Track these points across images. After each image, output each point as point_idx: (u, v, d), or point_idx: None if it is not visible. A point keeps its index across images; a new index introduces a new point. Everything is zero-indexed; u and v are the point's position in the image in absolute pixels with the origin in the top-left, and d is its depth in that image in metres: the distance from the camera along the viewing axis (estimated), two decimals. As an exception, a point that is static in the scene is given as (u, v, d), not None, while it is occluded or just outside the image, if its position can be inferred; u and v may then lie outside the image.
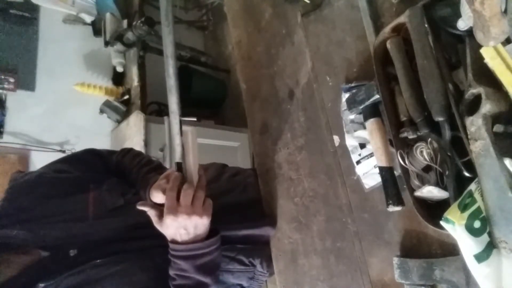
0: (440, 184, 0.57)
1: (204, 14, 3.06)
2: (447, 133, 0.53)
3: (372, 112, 0.66)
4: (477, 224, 0.47)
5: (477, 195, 0.48)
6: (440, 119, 0.53)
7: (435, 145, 0.57)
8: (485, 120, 0.46)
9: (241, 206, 0.92)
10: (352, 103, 0.69)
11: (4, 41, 2.03)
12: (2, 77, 1.94)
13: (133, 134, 2.01)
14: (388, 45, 0.62)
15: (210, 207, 0.69)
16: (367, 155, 0.71)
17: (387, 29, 0.61)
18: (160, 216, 0.67)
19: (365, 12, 0.71)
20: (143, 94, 2.21)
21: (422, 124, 0.57)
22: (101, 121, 2.26)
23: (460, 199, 0.50)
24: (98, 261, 0.67)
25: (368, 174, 0.71)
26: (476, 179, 0.49)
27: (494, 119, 0.46)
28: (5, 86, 1.94)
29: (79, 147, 2.06)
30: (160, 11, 0.62)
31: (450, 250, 0.58)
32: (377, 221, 0.71)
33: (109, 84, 2.35)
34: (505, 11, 0.41)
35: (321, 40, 0.83)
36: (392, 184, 0.63)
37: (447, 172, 0.54)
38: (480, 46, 0.46)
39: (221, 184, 0.98)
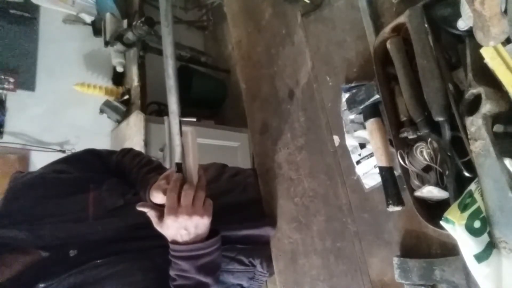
0: (440, 184, 0.57)
1: (204, 14, 3.06)
2: (447, 133, 0.53)
3: (372, 112, 0.66)
4: (477, 224, 0.47)
5: (477, 195, 0.48)
6: (440, 119, 0.53)
7: (435, 145, 0.57)
8: (485, 120, 0.46)
9: (241, 206, 0.92)
10: (352, 103, 0.69)
11: (4, 41, 2.02)
12: (2, 77, 1.94)
13: (133, 134, 2.01)
14: (388, 45, 0.62)
15: (210, 207, 0.69)
16: (367, 155, 0.71)
17: (387, 29, 0.61)
18: (160, 216, 0.67)
19: (365, 12, 0.71)
20: (143, 94, 2.21)
21: (422, 124, 0.57)
22: (101, 121, 2.26)
23: (460, 199, 0.50)
24: (98, 261, 0.67)
25: (368, 174, 0.71)
26: (476, 179, 0.49)
27: (494, 119, 0.46)
28: (5, 86, 1.94)
29: (79, 147, 2.06)
30: (160, 11, 0.62)
31: (450, 250, 0.58)
32: (377, 221, 0.71)
33: (109, 84, 2.35)
34: (505, 11, 0.41)
35: (321, 40, 0.83)
36: (392, 184, 0.63)
37: (447, 172, 0.54)
38: (480, 46, 0.46)
39: (221, 184, 0.98)
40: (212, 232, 0.71)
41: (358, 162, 0.73)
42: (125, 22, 2.17)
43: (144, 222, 0.68)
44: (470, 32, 0.48)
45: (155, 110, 2.42)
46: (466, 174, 0.52)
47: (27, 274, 0.64)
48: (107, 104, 2.20)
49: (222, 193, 0.92)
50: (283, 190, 0.91)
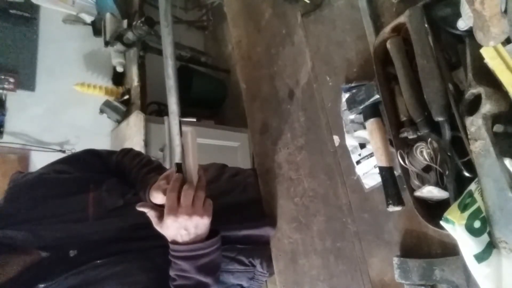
0: (440, 184, 0.57)
1: (204, 14, 3.06)
2: (447, 133, 0.53)
3: (372, 112, 0.66)
4: (477, 224, 0.47)
5: (477, 195, 0.48)
6: (440, 119, 0.53)
7: (435, 145, 0.57)
8: (485, 120, 0.46)
9: (241, 206, 0.92)
10: (352, 103, 0.69)
11: (4, 41, 2.03)
12: (2, 77, 1.94)
13: (133, 134, 2.01)
14: (388, 45, 0.62)
15: (210, 207, 0.69)
16: (367, 155, 0.71)
17: (387, 29, 0.61)
18: (160, 217, 0.67)
19: (365, 12, 0.71)
20: (143, 94, 2.21)
21: (422, 124, 0.56)
22: (101, 121, 2.26)
23: (460, 199, 0.50)
24: (98, 261, 0.67)
25: (368, 174, 0.71)
26: (476, 179, 0.49)
27: (494, 119, 0.46)
28: (5, 86, 1.94)
29: (79, 147, 2.06)
30: (159, 11, 0.62)
31: (450, 250, 0.58)
32: (377, 221, 0.70)
33: (109, 84, 2.35)
34: (505, 11, 0.41)
35: (321, 40, 0.83)
36: (392, 184, 0.63)
37: (447, 172, 0.54)
38: (480, 46, 0.46)
39: (221, 184, 0.98)
40: (212, 232, 0.71)
41: (358, 162, 0.73)
42: (125, 22, 2.16)
43: (144, 222, 0.68)
44: (470, 32, 0.48)
45: (155, 110, 2.42)
46: (466, 174, 0.52)
47: (27, 274, 0.64)
48: (107, 104, 2.20)
49: (222, 193, 0.92)
50: (283, 190, 0.91)
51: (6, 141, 1.92)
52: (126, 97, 2.26)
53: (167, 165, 1.37)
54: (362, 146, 0.72)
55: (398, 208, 0.62)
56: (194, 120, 2.22)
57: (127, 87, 2.31)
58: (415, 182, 0.59)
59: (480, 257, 0.46)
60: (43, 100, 2.09)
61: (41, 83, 2.10)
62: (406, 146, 0.61)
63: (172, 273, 0.69)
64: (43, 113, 2.07)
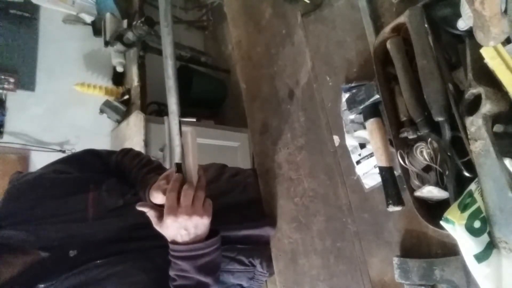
0: (440, 184, 0.57)
1: (204, 14, 3.06)
2: (447, 133, 0.53)
3: (372, 112, 0.66)
4: (477, 224, 0.47)
5: (477, 195, 0.48)
6: (440, 119, 0.53)
7: (435, 145, 0.57)
8: (485, 120, 0.46)
9: (241, 206, 0.92)
10: (352, 103, 0.69)
11: (4, 41, 2.02)
12: (2, 77, 1.94)
13: (133, 134, 2.01)
14: (388, 45, 0.62)
15: (210, 207, 0.69)
16: (367, 155, 0.71)
17: (387, 29, 0.61)
18: (160, 217, 0.67)
19: (365, 12, 0.71)
20: (143, 94, 2.21)
21: (422, 124, 0.56)
22: (101, 121, 2.26)
23: (460, 199, 0.50)
24: (98, 261, 0.67)
25: (368, 174, 0.71)
26: (476, 179, 0.49)
27: (494, 119, 0.46)
28: (5, 86, 1.94)
29: (79, 147, 2.06)
30: (159, 11, 0.62)
31: (450, 250, 0.58)
32: (377, 221, 0.70)
33: (109, 84, 2.35)
34: (505, 11, 0.41)
35: (321, 40, 0.83)
36: (392, 184, 0.63)
37: (447, 172, 0.54)
38: (480, 46, 0.46)
39: (221, 184, 0.98)
40: (212, 232, 0.71)
41: (358, 162, 0.73)
42: (125, 22, 2.16)
43: (144, 222, 0.68)
44: (470, 32, 0.48)
45: (155, 110, 2.42)
46: (466, 174, 0.52)
47: (27, 274, 0.64)
48: (107, 104, 2.20)
49: (222, 193, 0.92)
50: (283, 190, 0.91)
51: (6, 141, 1.91)
52: (126, 97, 2.26)
53: (167, 165, 1.36)
54: (362, 146, 0.72)
55: (398, 208, 0.62)
56: (194, 120, 2.22)
57: (127, 87, 2.31)
58: (415, 182, 0.59)
59: (480, 257, 0.46)
60: (43, 100, 2.09)
61: (41, 83, 2.10)
62: (406, 146, 0.61)
63: (172, 273, 0.69)
64: (43, 113, 2.07)
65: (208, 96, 2.73)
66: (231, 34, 1.11)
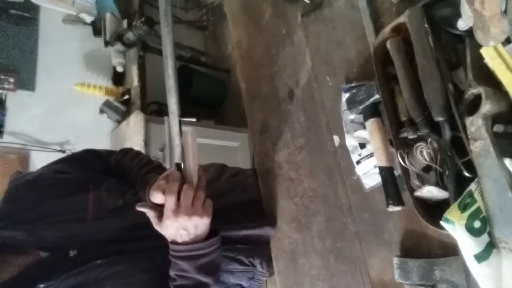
0: (440, 184, 0.57)
1: (204, 14, 3.06)
2: (447, 133, 0.53)
3: (372, 112, 0.66)
4: (477, 224, 0.47)
5: (477, 195, 0.48)
6: (440, 119, 0.53)
7: (435, 145, 0.57)
8: (485, 120, 0.46)
9: (241, 206, 0.92)
10: (352, 103, 0.69)
11: (4, 41, 2.02)
12: (2, 77, 1.94)
13: (133, 134, 2.01)
14: (388, 45, 0.62)
15: (210, 207, 0.69)
16: (367, 155, 0.71)
17: (387, 29, 0.61)
18: (160, 217, 0.67)
19: (365, 12, 0.71)
20: (143, 94, 2.21)
21: (422, 124, 0.56)
22: (101, 121, 2.26)
23: (460, 199, 0.50)
24: (98, 261, 0.67)
25: (368, 174, 0.71)
26: (476, 179, 0.49)
27: (494, 119, 0.46)
28: (5, 86, 1.94)
29: (79, 147, 2.06)
30: (159, 11, 0.62)
31: (450, 250, 0.58)
32: (377, 221, 0.70)
33: (109, 84, 2.35)
34: (505, 11, 0.41)
35: (321, 40, 0.83)
36: (392, 184, 0.63)
37: (447, 172, 0.54)
38: (480, 46, 0.46)
39: (221, 184, 0.98)
40: (212, 232, 0.71)
41: (358, 162, 0.73)
42: (125, 22, 2.16)
43: (144, 222, 0.68)
44: (470, 32, 0.48)
45: (155, 110, 2.42)
46: (466, 174, 0.52)
47: (27, 274, 0.64)
48: (107, 104, 2.20)
49: (222, 193, 0.92)
50: (283, 190, 0.91)
51: (6, 141, 1.91)
52: (126, 97, 2.26)
53: (167, 165, 1.36)
54: (362, 146, 0.72)
55: (398, 208, 0.62)
56: (194, 120, 2.21)
57: (127, 87, 2.31)
58: (415, 182, 0.59)
59: (480, 257, 0.46)
60: (43, 100, 2.08)
61: (41, 83, 2.10)
62: (406, 146, 0.61)
63: (172, 273, 0.69)
64: (43, 113, 2.07)
65: (208, 96, 2.73)
66: (231, 34, 1.11)
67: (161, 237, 0.68)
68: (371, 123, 0.66)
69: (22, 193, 0.72)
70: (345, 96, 0.73)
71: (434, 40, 0.54)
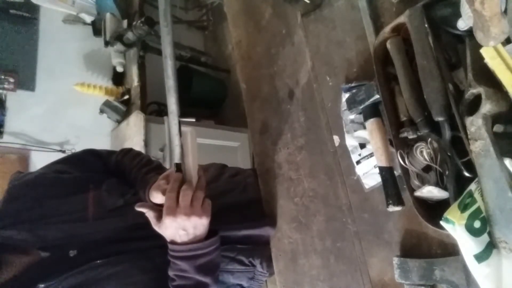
0: (440, 184, 0.57)
1: (204, 14, 3.06)
2: (447, 133, 0.53)
3: (372, 112, 0.66)
4: (477, 224, 0.47)
5: (477, 195, 0.48)
6: (440, 119, 0.53)
7: (435, 145, 0.57)
8: (485, 120, 0.46)
9: (241, 206, 0.92)
10: (352, 103, 0.69)
11: (4, 41, 2.02)
12: (2, 77, 1.94)
13: (133, 134, 2.01)
14: (388, 45, 0.62)
15: (209, 207, 0.69)
16: (367, 155, 0.71)
17: (387, 29, 0.61)
18: (159, 217, 0.67)
19: (365, 12, 0.71)
20: (143, 94, 2.21)
21: (422, 124, 0.56)
22: (101, 121, 2.26)
23: (460, 199, 0.50)
24: (98, 261, 0.67)
25: (368, 174, 0.71)
26: (476, 179, 0.49)
27: (494, 119, 0.46)
28: (5, 86, 1.94)
29: (79, 147, 2.06)
30: (159, 11, 0.62)
31: (450, 250, 0.58)
32: (377, 221, 0.70)
33: (109, 84, 2.35)
34: (505, 11, 0.41)
35: (321, 40, 0.83)
36: (392, 184, 0.63)
37: (447, 172, 0.54)
38: (480, 46, 0.46)
39: (220, 184, 0.98)
40: (211, 232, 0.71)
41: (358, 162, 0.73)
42: (125, 22, 2.17)
43: (144, 222, 0.68)
44: (470, 32, 0.48)
45: (155, 110, 2.42)
46: (466, 174, 0.52)
47: (27, 274, 0.64)
48: (107, 104, 2.20)
49: (222, 193, 0.92)
50: (283, 190, 0.91)
51: (6, 141, 1.91)
52: (126, 97, 2.26)
53: (167, 165, 1.36)
54: (362, 146, 0.72)
55: (398, 208, 0.62)
56: (194, 120, 2.22)
57: (127, 87, 2.31)
58: (415, 182, 0.59)
59: (480, 257, 0.46)
60: (43, 100, 2.08)
61: (41, 83, 2.10)
62: (406, 146, 0.61)
63: (171, 273, 0.69)
64: (43, 113, 2.07)
65: (208, 96, 2.73)
66: (231, 34, 1.11)
67: (161, 237, 0.68)
68: (371, 123, 0.66)
69: (22, 193, 0.72)
70: (345, 96, 0.73)
71: (434, 40, 0.54)
